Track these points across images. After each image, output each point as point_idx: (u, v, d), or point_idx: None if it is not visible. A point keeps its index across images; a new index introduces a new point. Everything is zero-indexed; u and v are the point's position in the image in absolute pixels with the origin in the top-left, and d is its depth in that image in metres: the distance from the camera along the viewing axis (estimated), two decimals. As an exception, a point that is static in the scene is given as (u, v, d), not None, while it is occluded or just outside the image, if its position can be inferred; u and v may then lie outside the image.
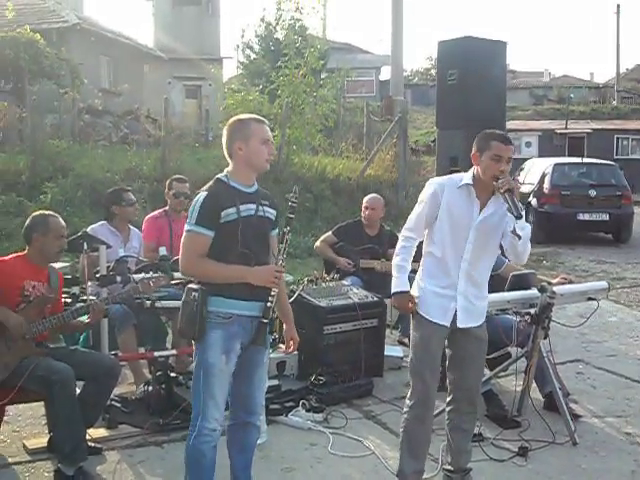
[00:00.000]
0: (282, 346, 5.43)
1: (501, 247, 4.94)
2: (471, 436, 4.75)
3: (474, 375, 4.65)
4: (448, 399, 4.72)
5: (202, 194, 4.04)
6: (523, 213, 4.32)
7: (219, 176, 4.15)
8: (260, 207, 4.12)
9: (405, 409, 4.61)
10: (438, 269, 4.47)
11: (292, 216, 4.16)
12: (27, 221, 5.23)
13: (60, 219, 5.28)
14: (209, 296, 3.96)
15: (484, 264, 4.56)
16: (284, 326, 4.45)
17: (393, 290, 4.46)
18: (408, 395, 4.60)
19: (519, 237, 4.36)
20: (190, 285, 4.07)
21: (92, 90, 22.61)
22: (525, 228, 4.38)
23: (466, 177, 4.47)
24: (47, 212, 5.35)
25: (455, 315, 4.46)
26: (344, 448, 5.44)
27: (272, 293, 4.02)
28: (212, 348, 3.96)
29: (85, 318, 5.24)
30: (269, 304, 4.01)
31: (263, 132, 4.11)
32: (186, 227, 4.01)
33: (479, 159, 4.41)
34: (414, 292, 4.52)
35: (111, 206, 6.77)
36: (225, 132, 4.16)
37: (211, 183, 4.12)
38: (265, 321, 4.03)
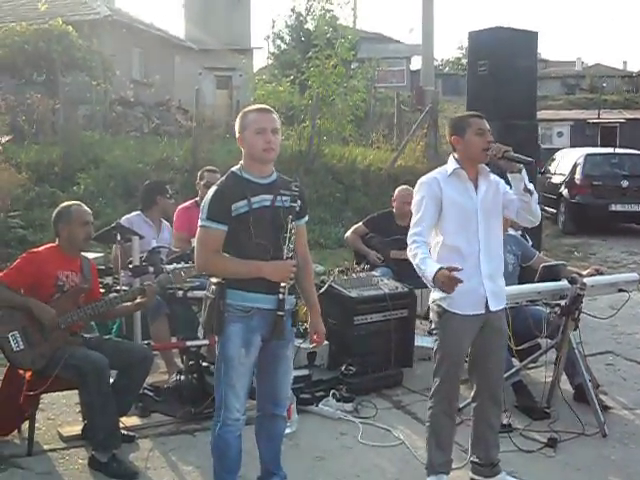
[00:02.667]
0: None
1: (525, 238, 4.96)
2: (497, 429, 4.74)
3: (496, 369, 4.65)
4: (472, 394, 4.73)
5: (212, 188, 4.06)
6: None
7: (233, 169, 4.15)
8: (278, 197, 4.06)
9: (430, 404, 4.61)
10: (457, 260, 4.37)
11: (294, 205, 4.09)
12: (53, 214, 5.33)
13: (84, 206, 5.37)
14: (229, 289, 3.98)
15: (496, 240, 4.56)
16: (310, 317, 4.41)
17: (430, 277, 4.19)
18: (433, 391, 4.58)
19: (531, 193, 4.43)
20: (211, 279, 4.10)
21: (124, 81, 22.79)
22: (530, 184, 4.46)
23: (450, 166, 4.54)
24: (70, 202, 5.44)
25: (486, 300, 4.46)
26: (374, 438, 5.48)
27: (282, 285, 3.98)
28: (231, 341, 3.99)
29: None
30: (281, 296, 3.98)
31: (259, 122, 4.03)
32: (199, 222, 4.03)
33: (462, 141, 4.51)
34: (439, 294, 4.41)
35: (156, 196, 6.89)
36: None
37: (223, 177, 4.14)
38: (281, 314, 3.99)
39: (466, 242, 4.43)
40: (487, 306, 4.45)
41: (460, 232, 4.44)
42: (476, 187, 4.50)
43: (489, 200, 4.51)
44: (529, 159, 4.41)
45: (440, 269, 4.17)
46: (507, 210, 4.60)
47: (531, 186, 4.47)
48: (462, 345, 4.51)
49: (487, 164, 4.56)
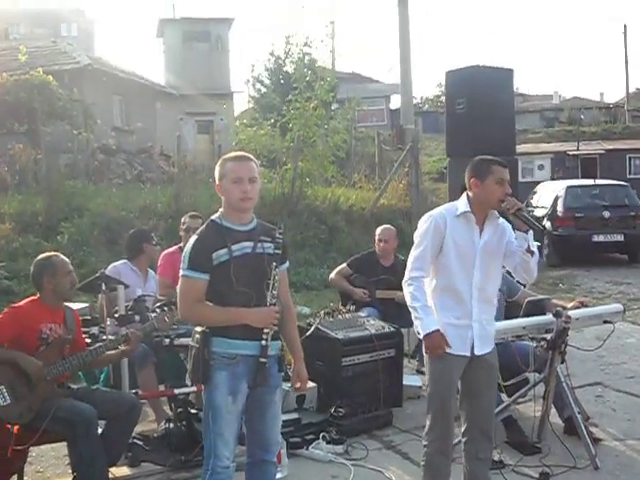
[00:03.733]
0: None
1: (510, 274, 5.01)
2: (489, 465, 4.73)
3: (487, 405, 4.65)
4: (463, 429, 4.70)
5: (193, 238, 4.10)
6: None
7: (213, 217, 4.18)
8: (259, 244, 4.09)
9: (425, 442, 4.60)
10: (451, 300, 4.48)
11: (278, 252, 4.12)
12: (32, 268, 5.30)
13: (62, 256, 5.38)
14: (213, 337, 3.99)
15: (492, 287, 4.60)
16: (293, 363, 4.42)
17: (424, 332, 4.37)
18: (427, 429, 4.59)
19: (532, 253, 4.45)
20: (195, 328, 4.12)
21: (105, 129, 22.82)
22: (534, 246, 4.49)
23: (461, 205, 4.54)
24: (49, 253, 5.45)
25: (472, 344, 4.49)
26: (366, 479, 5.45)
27: (265, 331, 4.00)
28: (218, 389, 3.99)
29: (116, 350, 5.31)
30: (264, 342, 3.99)
31: (236, 171, 4.07)
32: (180, 272, 4.06)
33: (481, 185, 4.48)
34: None
35: (142, 244, 6.92)
36: None
37: (203, 226, 4.18)
38: (263, 361, 3.99)
39: (461, 285, 4.46)
40: (473, 349, 4.48)
41: (456, 274, 4.47)
42: (481, 231, 4.53)
43: (492, 246, 4.53)
44: (538, 225, 4.47)
45: (437, 331, 4.33)
46: (507, 260, 4.62)
47: (535, 248, 4.50)
48: (451, 382, 4.52)
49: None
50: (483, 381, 4.58)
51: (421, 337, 4.42)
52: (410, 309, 4.48)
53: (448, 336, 4.42)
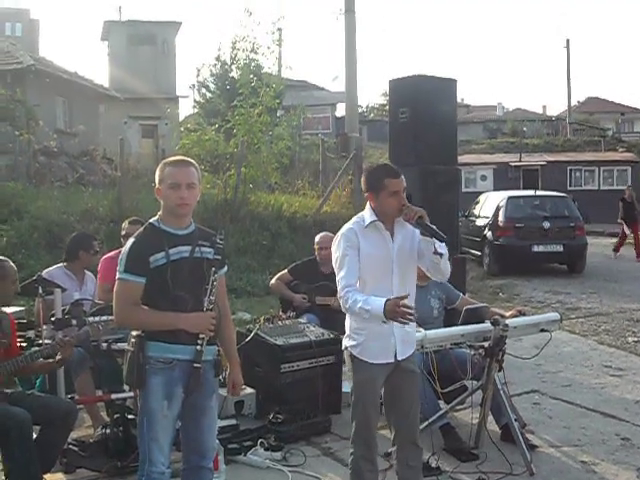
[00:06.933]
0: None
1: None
2: (420, 471, 4.74)
3: (411, 410, 4.63)
4: (392, 437, 4.73)
5: (130, 241, 4.07)
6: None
7: (151, 220, 4.16)
8: (197, 248, 4.09)
9: (350, 449, 4.62)
10: None
11: (218, 257, 4.13)
12: None
13: (11, 263, 5.30)
14: (149, 341, 3.96)
15: (410, 289, 4.56)
16: (229, 369, 4.42)
17: (380, 310, 4.19)
18: (352, 436, 4.60)
19: (441, 255, 4.41)
20: (131, 332, 4.08)
21: (47, 131, 22.51)
22: (442, 246, 4.41)
23: (367, 216, 4.55)
24: (1, 257, 5.35)
25: (396, 350, 4.50)
26: (303, 486, 5.44)
27: (201, 336, 3.99)
28: (153, 394, 3.96)
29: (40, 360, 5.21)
30: (198, 348, 3.98)
31: (174, 176, 4.05)
32: (117, 275, 4.02)
33: (376, 199, 4.51)
34: (350, 342, 4.52)
35: (80, 250, 6.81)
36: None
37: (141, 229, 4.15)
38: (197, 366, 3.98)
39: (380, 292, 4.41)
40: (396, 355, 4.49)
41: (375, 283, 4.45)
42: (392, 235, 4.53)
43: (406, 249, 4.54)
44: (440, 233, 4.32)
45: (387, 300, 4.20)
46: (420, 261, 4.59)
47: (442, 249, 4.41)
48: (374, 389, 4.55)
49: None
50: (404, 387, 4.59)
51: (385, 320, 4.24)
52: (361, 312, 4.33)
53: (370, 347, 4.45)
